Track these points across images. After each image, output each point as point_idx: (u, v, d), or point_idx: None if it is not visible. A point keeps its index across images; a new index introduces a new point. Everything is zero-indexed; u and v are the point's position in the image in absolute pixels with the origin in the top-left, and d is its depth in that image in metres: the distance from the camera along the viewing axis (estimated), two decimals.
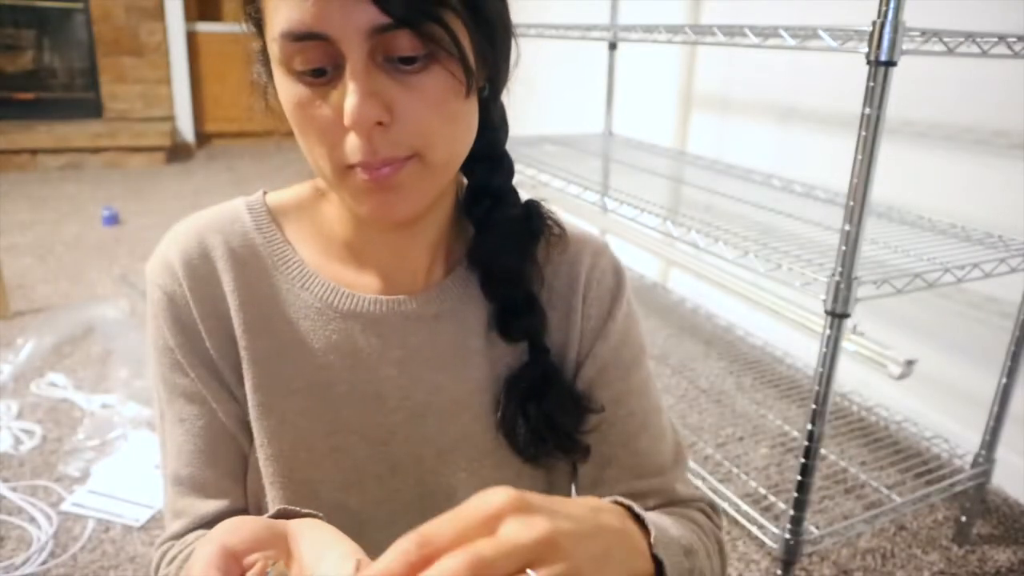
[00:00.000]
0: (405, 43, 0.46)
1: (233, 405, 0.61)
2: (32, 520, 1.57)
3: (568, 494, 0.70)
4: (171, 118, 5.34)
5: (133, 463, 1.78)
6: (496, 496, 0.34)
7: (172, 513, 0.62)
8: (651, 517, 0.46)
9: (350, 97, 0.46)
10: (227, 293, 0.59)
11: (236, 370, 0.60)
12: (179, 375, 0.60)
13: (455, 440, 0.62)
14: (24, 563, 1.46)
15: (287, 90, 0.49)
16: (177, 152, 5.19)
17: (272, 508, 0.61)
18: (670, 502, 0.65)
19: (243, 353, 0.59)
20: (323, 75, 0.47)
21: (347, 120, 0.46)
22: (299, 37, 0.46)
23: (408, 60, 0.47)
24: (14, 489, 1.66)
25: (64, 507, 1.62)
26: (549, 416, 0.61)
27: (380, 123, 0.47)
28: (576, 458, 0.65)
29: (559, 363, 0.63)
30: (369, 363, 0.60)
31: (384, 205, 0.51)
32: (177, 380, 0.60)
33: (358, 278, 0.61)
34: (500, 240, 0.60)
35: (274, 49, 0.48)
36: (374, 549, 0.62)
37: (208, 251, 0.60)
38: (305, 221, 0.62)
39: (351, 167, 0.49)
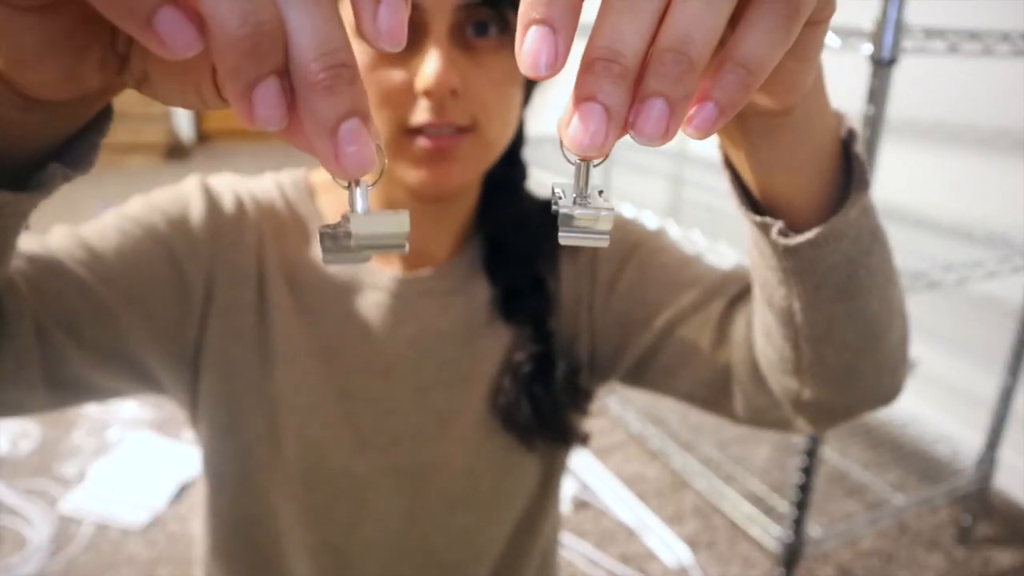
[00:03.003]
0: (486, 16, 0.50)
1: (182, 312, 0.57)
2: (29, 522, 1.57)
3: (565, 461, 0.70)
4: (169, 117, 5.33)
5: (131, 464, 1.77)
6: None
7: (39, 241, 0.51)
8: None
9: (432, 63, 0.49)
10: (268, 240, 0.60)
11: (251, 305, 0.59)
12: (155, 218, 0.56)
13: (455, 410, 0.63)
14: (21, 564, 1.45)
15: (360, 58, 0.51)
16: (175, 151, 5.18)
17: (283, 469, 0.60)
18: (749, 285, 0.59)
19: (272, 299, 0.60)
20: None
21: (428, 82, 0.49)
22: None
23: (482, 29, 0.51)
24: (12, 490, 1.65)
25: (61, 508, 1.61)
26: (555, 399, 0.62)
27: (453, 91, 0.50)
28: (572, 444, 0.66)
29: (565, 353, 0.64)
30: (382, 338, 0.61)
31: (439, 174, 0.53)
32: (153, 219, 0.56)
33: (383, 256, 0.62)
34: (510, 223, 0.63)
35: (350, 13, 0.50)
36: (373, 521, 0.62)
37: (257, 202, 0.61)
38: (337, 201, 0.64)
39: (412, 134, 0.51)
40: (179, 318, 0.57)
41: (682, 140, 2.93)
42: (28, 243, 0.50)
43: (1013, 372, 1.50)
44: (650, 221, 1.56)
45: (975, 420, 1.73)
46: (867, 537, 1.60)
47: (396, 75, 0.50)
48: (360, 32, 0.23)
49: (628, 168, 2.21)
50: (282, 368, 0.60)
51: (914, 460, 1.77)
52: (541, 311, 0.63)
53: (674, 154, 2.49)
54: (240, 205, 0.60)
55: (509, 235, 0.63)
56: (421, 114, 0.51)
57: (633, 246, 0.64)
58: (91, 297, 0.51)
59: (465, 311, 0.63)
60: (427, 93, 0.49)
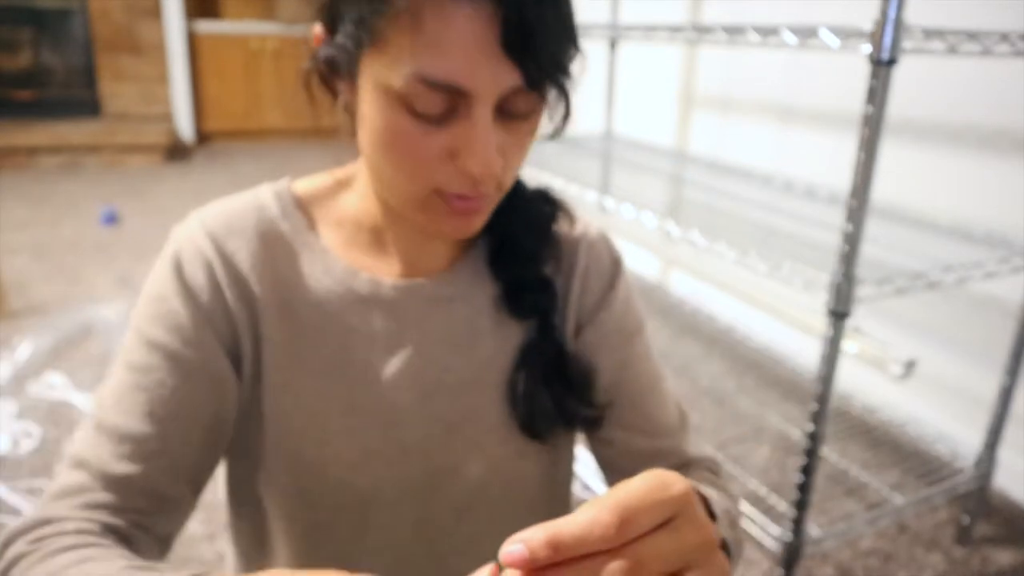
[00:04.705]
0: (526, 102, 0.51)
1: (225, 381, 0.59)
2: None
3: (571, 468, 0.72)
4: (169, 117, 5.33)
5: None
6: (677, 487, 0.34)
7: (74, 462, 0.54)
8: (713, 498, 0.49)
9: (481, 149, 0.49)
10: (252, 278, 0.59)
11: (250, 352, 0.60)
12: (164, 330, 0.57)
13: (463, 417, 0.63)
14: None
15: (391, 117, 0.50)
16: (176, 151, 5.19)
17: (279, 490, 0.61)
18: (683, 463, 0.66)
19: (264, 333, 0.59)
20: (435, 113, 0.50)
21: (478, 168, 0.49)
22: (437, 85, 0.47)
23: (523, 115, 0.52)
24: (12, 490, 1.65)
25: None
26: (571, 389, 0.63)
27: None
28: (595, 429, 0.67)
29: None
30: (386, 346, 0.61)
31: (462, 226, 0.55)
32: (159, 355, 0.57)
33: (379, 264, 0.62)
34: (512, 220, 0.64)
35: (392, 79, 0.48)
36: (379, 529, 0.62)
37: (237, 235, 0.60)
38: (329, 209, 0.63)
39: (439, 193, 0.53)
40: (225, 403, 0.59)
41: (683, 139, 2.92)
42: (74, 477, 0.54)
43: (1013, 372, 1.50)
44: (650, 221, 1.56)
45: (974, 420, 1.73)
46: (866, 537, 1.61)
47: (436, 142, 0.50)
48: None
49: (628, 168, 2.21)
50: (275, 394, 0.59)
51: (914, 460, 1.77)
52: (547, 304, 0.64)
53: (674, 154, 2.50)
54: (210, 270, 0.58)
55: (514, 233, 0.64)
56: (458, 185, 0.52)
57: (632, 333, 0.67)
58: (166, 482, 0.55)
59: (468, 316, 0.63)
60: (470, 174, 0.50)
